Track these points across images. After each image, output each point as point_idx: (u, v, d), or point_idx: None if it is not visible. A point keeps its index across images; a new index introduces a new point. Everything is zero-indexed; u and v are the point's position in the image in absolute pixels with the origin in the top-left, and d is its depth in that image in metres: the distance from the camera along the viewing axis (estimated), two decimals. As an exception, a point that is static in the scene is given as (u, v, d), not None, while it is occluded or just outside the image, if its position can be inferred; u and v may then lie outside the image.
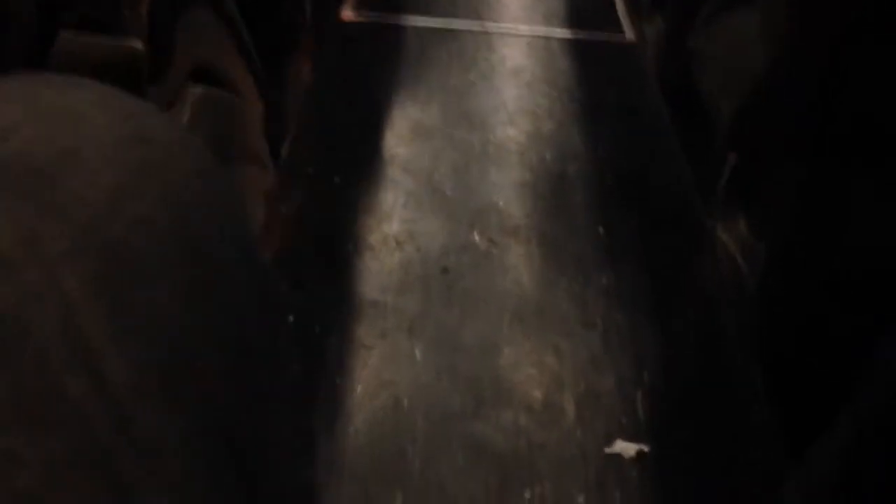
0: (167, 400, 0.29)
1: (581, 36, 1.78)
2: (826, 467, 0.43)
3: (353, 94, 1.49)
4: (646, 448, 0.99)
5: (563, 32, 1.79)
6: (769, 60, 0.89)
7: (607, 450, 0.98)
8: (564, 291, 1.19)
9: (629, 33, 1.81)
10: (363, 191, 1.29)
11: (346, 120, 1.43)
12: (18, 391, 0.26)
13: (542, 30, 1.78)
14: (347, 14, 1.74)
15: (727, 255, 1.08)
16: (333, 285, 1.15)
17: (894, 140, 0.73)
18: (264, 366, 0.37)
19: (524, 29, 1.78)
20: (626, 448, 0.99)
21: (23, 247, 0.28)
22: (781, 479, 0.89)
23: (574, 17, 1.85)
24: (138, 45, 0.60)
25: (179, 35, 0.75)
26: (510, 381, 1.05)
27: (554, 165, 1.40)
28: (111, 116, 0.33)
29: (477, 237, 1.25)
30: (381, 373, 1.04)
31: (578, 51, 1.73)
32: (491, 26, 1.76)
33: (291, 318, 1.07)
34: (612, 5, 1.92)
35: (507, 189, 1.34)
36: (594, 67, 1.68)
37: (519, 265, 1.22)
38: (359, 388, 1.02)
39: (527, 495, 0.93)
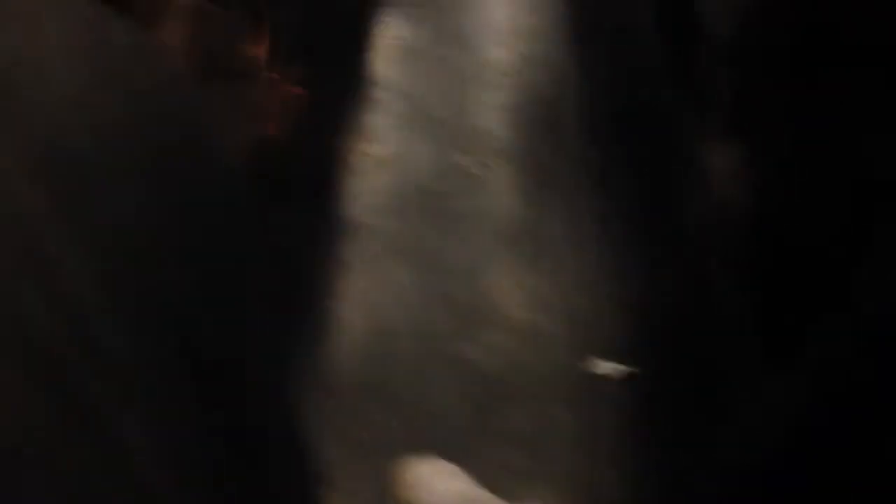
0: (130, 314, 0.29)
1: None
2: (803, 382, 0.44)
3: (341, 10, 1.46)
4: (629, 368, 1.00)
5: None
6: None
7: (591, 370, 1.00)
8: (552, 214, 1.18)
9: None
10: (351, 111, 1.27)
11: (334, 39, 1.41)
12: None
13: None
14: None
15: (718, 179, 1.08)
16: (319, 206, 1.14)
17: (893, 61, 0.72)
18: (235, 281, 0.36)
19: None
20: (609, 368, 1.00)
21: None
22: (757, 393, 0.90)
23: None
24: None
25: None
26: (496, 302, 1.06)
27: (546, 88, 1.38)
28: (71, 22, 0.31)
29: (465, 159, 1.24)
30: (367, 294, 1.05)
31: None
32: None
33: (275, 239, 1.07)
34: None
35: (496, 111, 1.33)
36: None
37: (508, 188, 1.21)
38: (346, 310, 1.03)
39: (510, 414, 0.95)
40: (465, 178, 1.22)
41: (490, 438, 0.92)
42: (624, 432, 0.94)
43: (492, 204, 1.19)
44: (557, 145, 1.29)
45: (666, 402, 0.98)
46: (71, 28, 0.31)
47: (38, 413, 0.25)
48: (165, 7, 0.77)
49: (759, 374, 0.92)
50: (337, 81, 1.32)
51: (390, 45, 1.36)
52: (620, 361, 1.01)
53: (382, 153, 1.23)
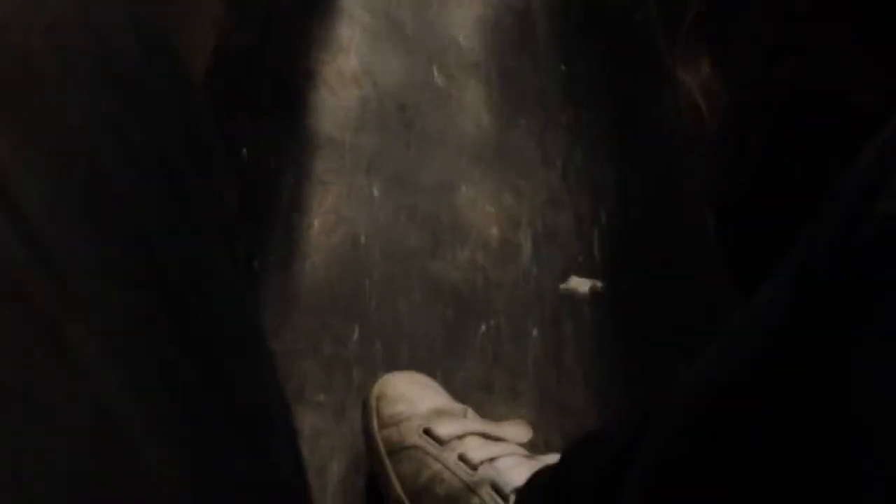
0: (82, 219, 0.28)
1: None
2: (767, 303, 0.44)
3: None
4: (599, 285, 1.00)
5: None
6: None
7: (562, 286, 1.00)
8: (524, 130, 1.18)
9: None
10: (318, 24, 1.25)
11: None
12: None
13: None
14: None
15: (688, 97, 1.07)
16: (289, 120, 1.13)
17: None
18: (193, 192, 0.35)
19: None
20: (580, 285, 1.00)
21: None
22: (727, 315, 0.91)
23: None
24: None
25: None
26: (468, 219, 1.06)
27: (516, 1, 1.36)
28: None
29: (436, 74, 1.23)
30: (338, 209, 1.04)
31: None
32: None
33: (245, 152, 1.05)
34: None
35: (467, 24, 1.30)
36: None
37: (479, 103, 1.20)
38: (315, 224, 1.02)
39: (482, 329, 0.95)
40: (435, 92, 1.20)
41: (460, 354, 0.93)
42: (593, 349, 0.95)
43: (463, 119, 1.18)
44: (528, 59, 1.27)
45: (635, 319, 0.99)
46: None
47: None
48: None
49: (726, 298, 0.93)
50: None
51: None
52: (591, 278, 1.01)
53: (352, 67, 1.21)
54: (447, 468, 0.72)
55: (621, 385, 0.93)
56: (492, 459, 0.72)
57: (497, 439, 0.76)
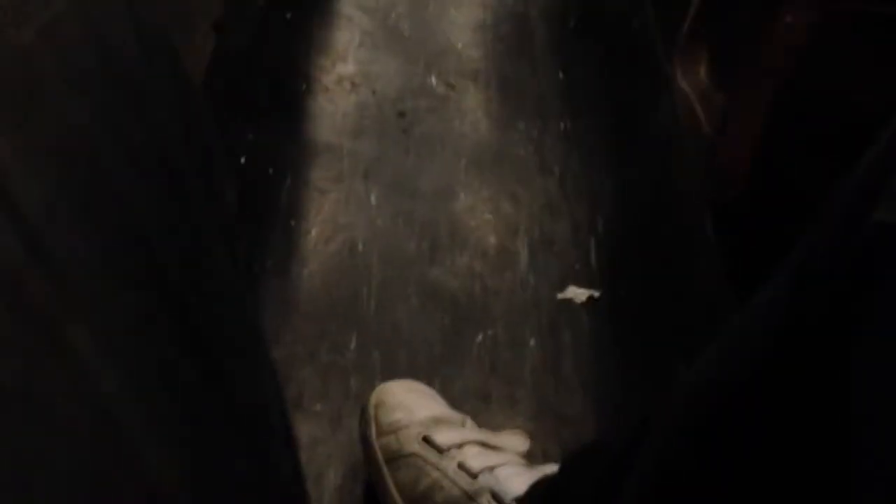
0: (82, 220, 0.28)
1: None
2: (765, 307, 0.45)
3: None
4: (597, 294, 1.00)
5: None
6: None
7: (559, 295, 1.00)
8: (522, 136, 1.17)
9: None
10: (317, 28, 1.25)
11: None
12: None
13: None
14: None
15: (685, 103, 1.07)
16: (287, 126, 1.12)
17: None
18: (193, 192, 0.35)
19: None
20: (577, 293, 1.00)
21: None
22: (725, 322, 0.91)
23: None
24: None
25: None
26: (466, 226, 1.06)
27: (515, 5, 1.36)
28: None
29: (434, 80, 1.23)
30: (336, 216, 1.04)
31: None
32: None
33: (243, 158, 1.05)
34: None
35: (466, 30, 1.31)
36: None
37: (477, 109, 1.20)
38: (313, 231, 1.02)
39: (479, 338, 0.95)
40: (434, 98, 1.20)
41: (458, 363, 0.92)
42: (591, 357, 0.95)
43: (461, 125, 1.17)
44: (526, 65, 1.27)
45: (633, 327, 0.98)
46: None
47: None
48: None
49: (725, 302, 0.93)
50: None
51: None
52: (588, 286, 1.01)
53: (350, 72, 1.21)
54: (446, 476, 0.72)
55: (619, 393, 0.92)
56: (491, 468, 0.71)
57: (496, 448, 0.75)
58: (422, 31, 1.28)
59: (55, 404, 0.25)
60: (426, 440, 0.74)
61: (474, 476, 0.71)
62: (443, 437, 0.74)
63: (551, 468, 0.70)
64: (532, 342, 0.95)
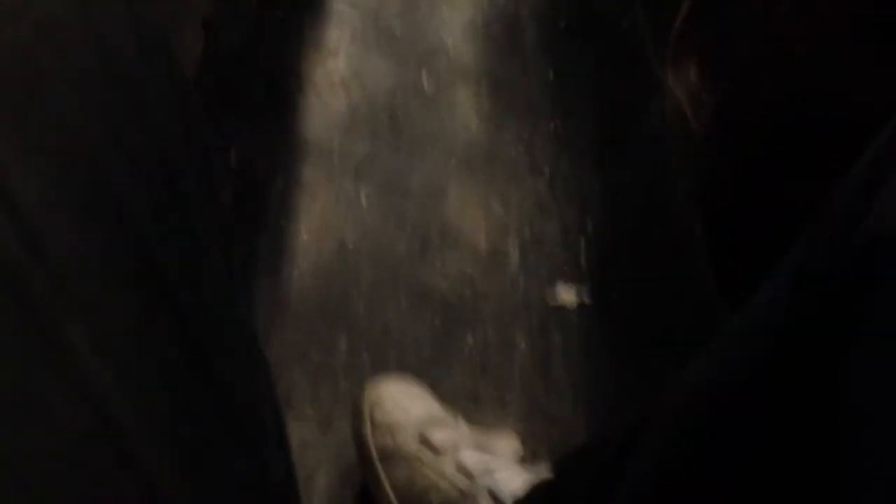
0: (81, 220, 0.28)
1: None
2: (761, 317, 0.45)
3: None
4: (587, 295, 1.00)
5: None
6: None
7: (549, 296, 1.00)
8: (513, 136, 1.17)
9: None
10: (308, 26, 1.24)
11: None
12: None
13: None
14: None
15: (676, 105, 1.07)
16: (278, 125, 1.12)
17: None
18: (192, 192, 0.35)
19: None
20: (567, 295, 1.00)
21: None
22: (715, 321, 0.91)
23: None
24: None
25: None
26: (456, 226, 1.05)
27: (506, 5, 1.36)
28: None
29: (425, 79, 1.22)
30: (326, 216, 1.03)
31: None
32: None
33: (233, 157, 1.04)
34: None
35: (457, 29, 1.31)
36: None
37: (468, 109, 1.20)
38: (304, 231, 1.01)
39: (469, 339, 0.95)
40: (424, 98, 1.20)
41: (448, 364, 0.92)
42: (581, 358, 0.95)
43: (452, 125, 1.17)
44: (517, 65, 1.27)
45: (623, 328, 0.99)
46: None
47: None
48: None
49: (715, 304, 0.93)
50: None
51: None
52: (579, 287, 1.01)
53: (341, 71, 1.20)
54: (443, 476, 0.72)
55: (609, 395, 0.93)
56: (489, 469, 0.71)
57: (491, 450, 0.75)
58: (413, 31, 1.28)
59: (53, 404, 0.25)
60: (422, 440, 0.74)
61: (471, 476, 0.71)
62: (439, 436, 0.74)
63: (547, 469, 0.70)
64: (522, 343, 0.95)
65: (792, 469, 0.39)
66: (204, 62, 0.88)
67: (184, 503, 0.29)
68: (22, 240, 0.25)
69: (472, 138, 1.16)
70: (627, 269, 1.04)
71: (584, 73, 1.27)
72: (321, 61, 1.21)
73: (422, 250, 1.02)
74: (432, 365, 0.92)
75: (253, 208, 1.01)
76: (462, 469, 0.72)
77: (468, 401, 0.89)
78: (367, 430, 0.76)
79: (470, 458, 0.73)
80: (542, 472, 0.72)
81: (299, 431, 0.84)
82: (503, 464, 0.73)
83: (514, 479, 0.71)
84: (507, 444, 0.78)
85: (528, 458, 0.81)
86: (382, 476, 0.74)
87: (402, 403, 0.77)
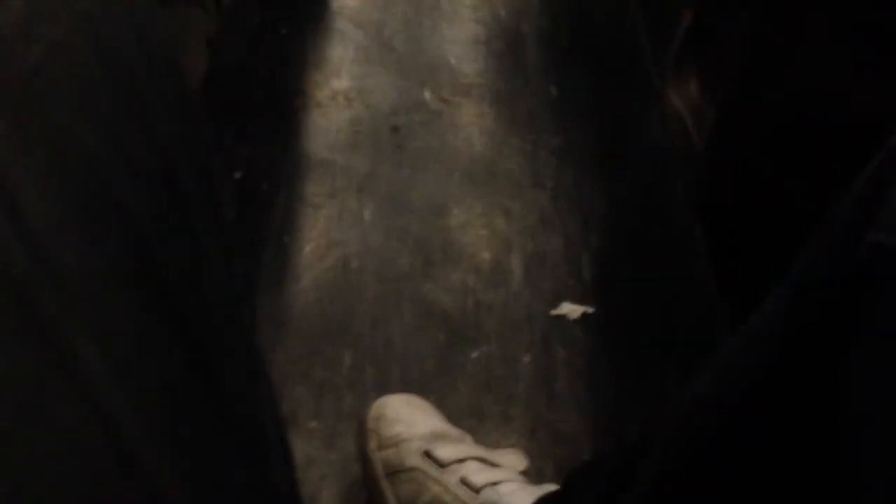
0: (88, 235, 0.28)
1: None
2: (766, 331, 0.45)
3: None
4: (590, 309, 1.00)
5: None
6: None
7: (553, 311, 1.00)
8: (515, 152, 1.18)
9: None
10: (311, 43, 1.25)
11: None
12: None
13: None
14: None
15: (677, 118, 1.08)
16: (281, 141, 1.12)
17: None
18: (195, 206, 0.35)
19: None
20: (571, 310, 1.00)
21: None
22: (719, 337, 0.91)
23: None
24: None
25: None
26: (459, 241, 1.05)
27: (508, 21, 1.36)
28: None
29: (428, 95, 1.23)
30: (329, 232, 1.03)
31: None
32: None
33: (239, 175, 1.05)
34: None
35: (459, 45, 1.31)
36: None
37: (470, 124, 1.20)
38: (307, 247, 1.01)
39: (474, 354, 0.94)
40: (427, 114, 1.20)
41: (452, 379, 0.92)
42: (585, 373, 0.95)
43: (455, 140, 1.18)
44: (519, 80, 1.28)
45: (627, 342, 0.98)
46: None
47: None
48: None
49: (718, 316, 0.93)
50: (297, 12, 1.30)
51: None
52: (581, 301, 1.01)
53: (344, 87, 1.21)
54: (448, 491, 0.71)
55: (614, 409, 0.92)
56: (494, 483, 0.71)
57: (496, 465, 0.75)
58: (415, 47, 1.29)
59: (62, 417, 0.25)
60: (427, 454, 0.74)
61: (477, 491, 0.71)
62: (444, 451, 0.74)
63: (552, 486, 0.70)
64: (526, 358, 0.95)
65: (793, 471, 0.39)
66: (208, 78, 0.88)
67: None
68: (27, 251, 0.25)
69: (475, 153, 1.17)
70: (630, 281, 1.04)
71: (585, 88, 1.27)
72: (324, 77, 1.21)
73: (425, 265, 1.02)
74: (436, 380, 0.91)
75: (256, 224, 1.01)
76: (467, 483, 0.71)
77: (472, 416, 0.89)
78: (372, 445, 0.76)
79: (475, 472, 0.72)
80: (548, 485, 0.72)
81: (304, 447, 0.83)
82: (509, 477, 0.73)
83: (519, 493, 0.70)
84: (512, 459, 0.77)
85: (533, 472, 0.81)
86: (387, 491, 0.74)
87: (407, 418, 0.77)
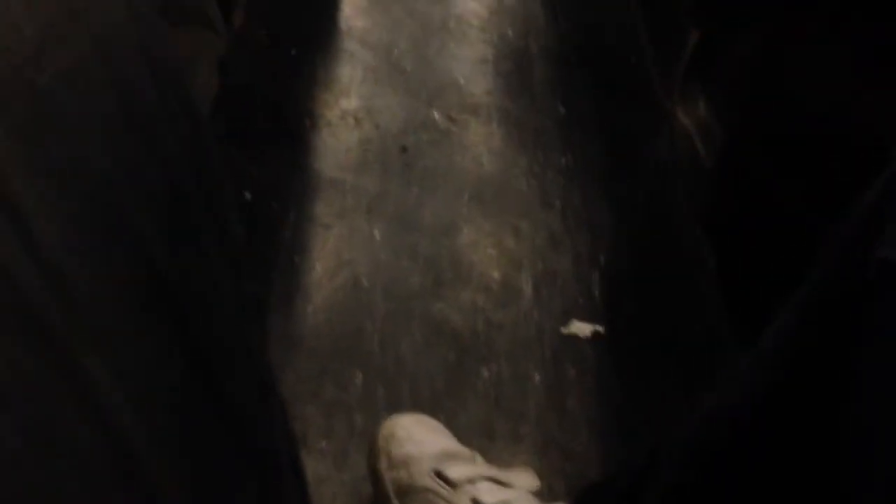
0: (99, 256, 0.28)
1: None
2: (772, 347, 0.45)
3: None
4: (601, 328, 1.00)
5: None
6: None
7: (563, 329, 0.99)
8: (524, 170, 1.18)
9: None
10: (320, 64, 1.26)
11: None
12: None
13: None
14: None
15: (685, 137, 1.08)
16: (291, 161, 1.13)
17: (846, 8, 0.72)
18: (204, 226, 0.35)
19: None
20: (581, 328, 1.00)
21: None
22: (727, 354, 0.91)
23: None
24: None
25: None
26: (469, 260, 1.06)
27: (516, 41, 1.37)
28: None
29: (437, 115, 1.23)
30: (339, 252, 1.04)
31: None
32: None
33: (249, 195, 1.05)
34: None
35: (467, 65, 1.32)
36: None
37: (479, 144, 1.21)
38: (317, 267, 1.02)
39: (484, 373, 0.94)
40: (436, 133, 1.21)
41: (462, 398, 0.92)
42: (596, 391, 0.95)
43: (463, 160, 1.18)
44: (527, 100, 1.28)
45: (637, 360, 0.98)
46: None
47: (13, 352, 0.24)
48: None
49: (728, 334, 0.93)
50: (306, 32, 1.30)
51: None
52: (591, 319, 1.01)
53: (353, 108, 1.21)
54: None
55: (625, 427, 0.92)
56: (505, 502, 0.71)
57: (507, 485, 0.74)
58: (424, 67, 1.30)
59: (73, 438, 0.25)
60: (438, 474, 0.74)
61: (488, 510, 0.70)
62: (455, 471, 0.74)
63: (564, 503, 0.70)
64: (536, 377, 0.95)
65: (799, 483, 0.39)
66: (218, 100, 0.89)
67: None
68: (41, 276, 0.26)
69: (484, 173, 1.17)
70: (640, 300, 1.04)
71: (593, 107, 1.28)
72: (333, 98, 1.22)
73: (435, 285, 1.02)
74: (446, 399, 0.91)
75: (266, 244, 1.02)
76: (478, 503, 0.71)
77: (482, 435, 0.89)
78: (383, 464, 0.76)
79: (486, 492, 0.72)
80: (560, 504, 0.72)
81: (315, 467, 0.83)
82: (520, 497, 0.72)
83: (531, 512, 0.70)
84: (523, 478, 0.77)
85: (544, 491, 0.80)
86: (398, 511, 0.74)
87: (418, 438, 0.77)
